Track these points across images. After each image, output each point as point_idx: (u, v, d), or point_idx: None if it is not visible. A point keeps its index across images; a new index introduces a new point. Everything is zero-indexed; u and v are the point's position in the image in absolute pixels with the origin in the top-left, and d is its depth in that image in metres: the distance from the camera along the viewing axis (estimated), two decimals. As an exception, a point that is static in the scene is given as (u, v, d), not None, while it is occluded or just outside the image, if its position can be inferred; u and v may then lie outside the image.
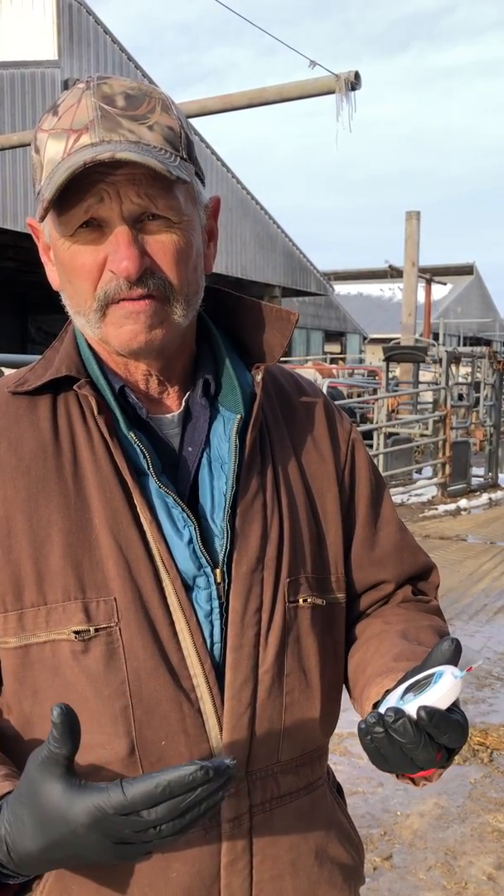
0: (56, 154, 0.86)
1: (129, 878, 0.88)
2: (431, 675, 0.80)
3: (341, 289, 38.94)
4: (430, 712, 0.77)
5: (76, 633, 0.86)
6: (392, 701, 0.82)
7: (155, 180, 0.85)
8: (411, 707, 0.79)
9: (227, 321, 1.04)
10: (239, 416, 0.96)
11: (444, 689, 0.78)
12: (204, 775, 0.72)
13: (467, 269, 45.44)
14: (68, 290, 0.92)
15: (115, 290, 0.87)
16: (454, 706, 0.80)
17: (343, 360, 30.50)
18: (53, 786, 0.74)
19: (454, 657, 0.82)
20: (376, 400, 11.74)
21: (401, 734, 0.78)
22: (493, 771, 3.55)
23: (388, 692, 0.88)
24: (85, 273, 0.88)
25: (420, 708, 0.78)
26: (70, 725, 0.74)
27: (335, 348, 33.92)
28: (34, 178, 0.91)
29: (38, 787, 0.75)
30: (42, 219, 0.89)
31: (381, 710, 0.81)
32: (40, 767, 0.75)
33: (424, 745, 0.78)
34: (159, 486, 0.91)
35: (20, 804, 0.77)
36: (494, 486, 11.36)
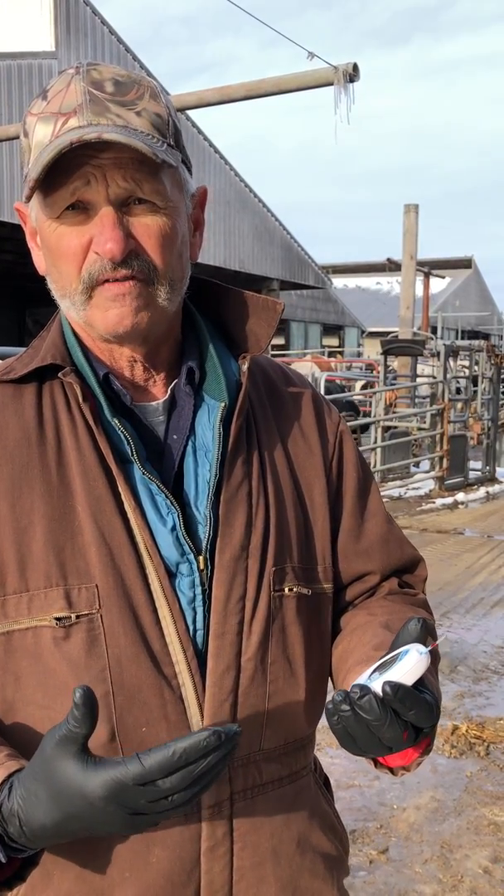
0: (44, 137, 0.87)
1: (109, 864, 0.88)
2: (397, 654, 0.81)
3: (339, 282, 38.90)
4: (395, 687, 0.77)
5: (57, 619, 0.87)
6: (360, 681, 0.82)
7: (141, 164, 0.86)
8: (377, 684, 0.79)
9: (214, 311, 1.04)
10: (223, 404, 0.96)
11: (408, 665, 0.78)
12: (217, 740, 0.75)
13: (466, 263, 45.41)
14: (53, 273, 0.92)
15: (99, 271, 0.87)
16: (424, 687, 0.81)
17: (341, 353, 30.49)
18: (70, 762, 0.76)
19: (422, 636, 0.82)
20: (373, 393, 11.74)
21: (366, 711, 0.78)
22: (490, 764, 3.56)
23: None
24: (70, 255, 0.88)
25: (385, 683, 0.78)
26: (91, 707, 0.75)
27: (333, 342, 33.90)
28: (22, 161, 0.91)
29: (54, 763, 0.77)
30: (28, 199, 0.91)
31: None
32: (58, 745, 0.77)
33: (391, 722, 0.78)
34: (143, 474, 0.91)
35: (34, 780, 0.78)
36: (492, 479, 11.36)
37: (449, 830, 3.07)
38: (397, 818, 3.14)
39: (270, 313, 1.01)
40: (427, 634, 0.83)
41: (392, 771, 0.91)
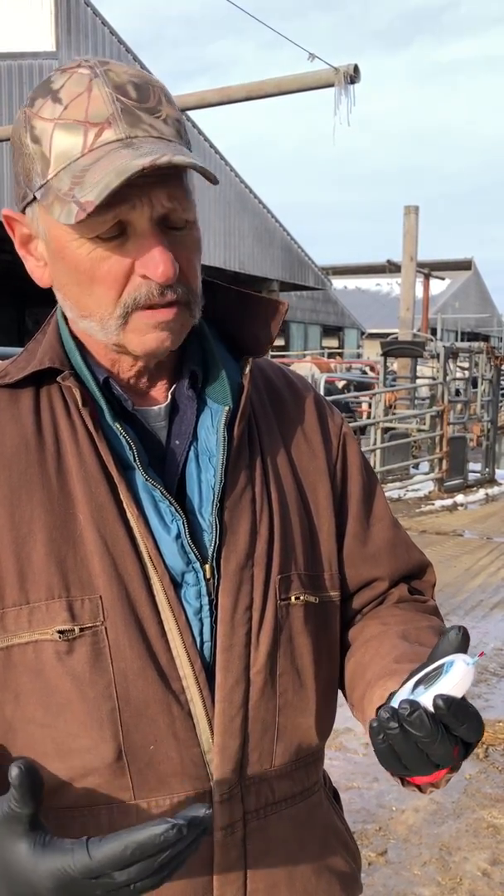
0: (72, 148, 0.81)
1: None
2: (441, 666, 0.76)
3: (339, 283, 38.91)
4: (448, 700, 0.73)
5: (60, 632, 0.83)
6: (403, 696, 0.77)
7: (178, 180, 0.83)
8: (426, 698, 0.74)
9: (215, 312, 1.01)
10: (227, 408, 0.93)
11: (457, 676, 0.74)
12: (177, 834, 0.68)
13: (465, 265, 45.42)
14: (75, 293, 0.86)
15: (146, 296, 0.84)
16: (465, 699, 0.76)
17: (341, 354, 30.48)
18: (16, 845, 0.70)
19: (463, 645, 0.78)
20: (373, 395, 11.73)
21: (417, 727, 0.73)
22: (489, 766, 3.56)
23: (392, 694, 0.84)
24: (111, 280, 0.83)
25: (436, 696, 0.73)
26: (31, 785, 0.69)
27: (333, 343, 33.89)
28: (28, 168, 0.85)
29: (1, 842, 0.71)
30: (77, 221, 0.80)
31: (393, 704, 0.77)
32: (2, 823, 0.71)
33: (442, 738, 0.74)
34: (146, 480, 0.87)
35: None
36: (491, 481, 11.36)
37: (448, 833, 3.07)
38: (396, 820, 3.14)
39: (273, 314, 0.98)
40: (468, 644, 0.79)
41: (420, 788, 0.85)
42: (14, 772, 0.69)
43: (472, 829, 3.10)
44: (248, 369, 0.95)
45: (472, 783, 3.40)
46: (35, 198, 0.85)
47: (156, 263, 0.82)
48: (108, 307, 0.85)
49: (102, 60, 0.85)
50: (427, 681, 0.76)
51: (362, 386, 15.26)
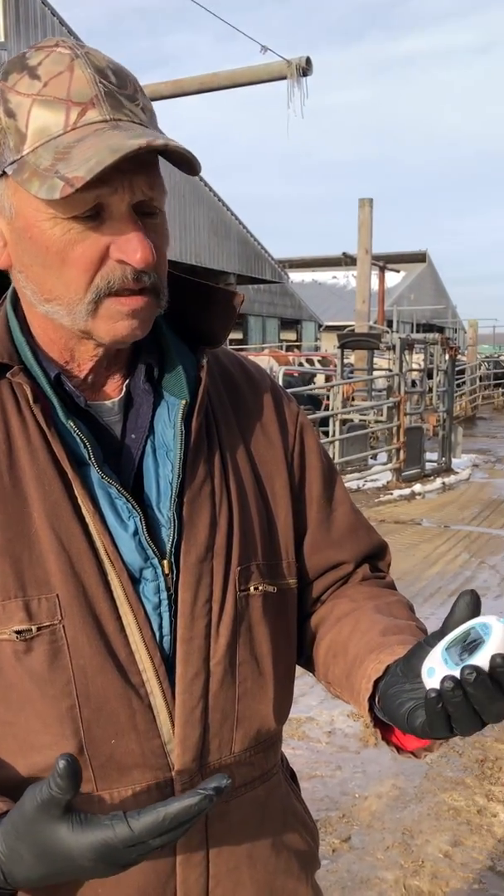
0: (52, 125, 0.80)
1: (81, 882, 0.86)
2: (471, 629, 0.79)
3: (296, 276, 38.99)
4: None
5: (17, 632, 0.82)
6: (439, 665, 0.79)
7: (157, 168, 0.83)
8: (481, 661, 0.76)
9: (170, 303, 0.99)
10: (184, 402, 0.92)
11: (500, 635, 0.77)
12: (208, 803, 0.76)
13: (420, 257, 45.88)
14: (41, 275, 0.84)
15: (120, 280, 0.83)
16: None
17: (299, 347, 30.59)
18: (55, 825, 0.75)
19: (478, 609, 0.80)
20: (331, 387, 11.80)
21: (482, 691, 0.75)
22: (449, 751, 3.62)
23: (389, 667, 0.86)
24: (85, 262, 0.82)
25: (495, 655, 0.75)
26: (75, 776, 0.75)
27: (291, 336, 33.98)
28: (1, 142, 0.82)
29: (38, 825, 0.76)
30: (62, 196, 0.79)
31: (433, 677, 0.78)
32: (41, 808, 0.75)
33: (498, 697, 0.76)
34: (101, 477, 0.87)
35: (17, 840, 0.77)
36: (448, 470, 11.52)
37: (410, 817, 3.12)
38: (359, 807, 3.18)
39: (229, 304, 0.97)
40: (480, 605, 0.81)
41: (415, 754, 0.89)
42: (61, 763, 0.74)
43: (433, 812, 3.15)
44: (204, 361, 0.95)
45: (433, 768, 3.46)
46: (4, 173, 0.83)
47: (134, 248, 0.82)
48: (79, 291, 0.83)
49: (80, 44, 0.84)
50: (467, 648, 0.78)
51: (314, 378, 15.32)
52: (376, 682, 0.88)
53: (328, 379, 14.06)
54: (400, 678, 0.84)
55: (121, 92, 0.82)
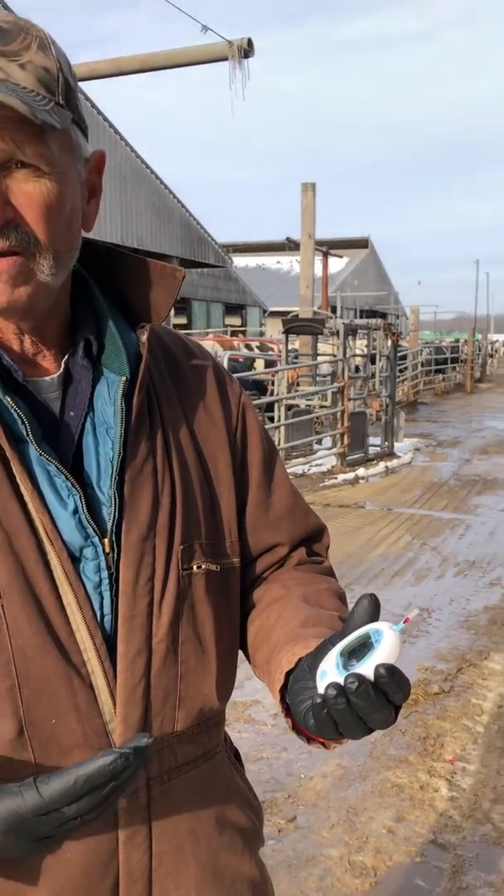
0: None
1: (20, 864, 0.85)
2: (366, 635, 0.79)
3: (240, 261, 38.88)
4: (390, 669, 0.76)
5: None
6: (332, 670, 0.80)
7: (24, 125, 0.78)
8: (366, 669, 0.77)
9: (109, 279, 0.98)
10: (124, 379, 0.91)
11: (390, 645, 0.77)
12: (124, 762, 0.72)
13: (362, 243, 46.24)
14: None
15: None
16: None
17: (244, 332, 30.55)
18: None
19: (376, 613, 0.81)
20: (276, 372, 11.83)
21: (364, 699, 0.76)
22: (393, 730, 3.69)
23: (301, 660, 0.88)
24: None
25: (379, 666, 0.76)
26: None
27: (235, 321, 33.92)
28: None
29: None
30: None
31: (325, 680, 0.79)
32: None
33: (382, 706, 0.77)
34: (40, 454, 0.85)
35: None
36: (390, 454, 11.68)
37: (354, 795, 3.17)
38: (304, 787, 3.22)
39: (170, 281, 0.96)
40: (379, 611, 0.82)
41: (324, 745, 0.90)
42: None
43: (377, 790, 3.21)
44: (145, 337, 0.94)
45: (376, 747, 3.53)
46: None
47: None
48: None
49: None
50: (358, 653, 0.79)
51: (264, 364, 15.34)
52: (288, 674, 0.89)
53: (270, 364, 14.08)
54: (306, 673, 0.85)
55: None
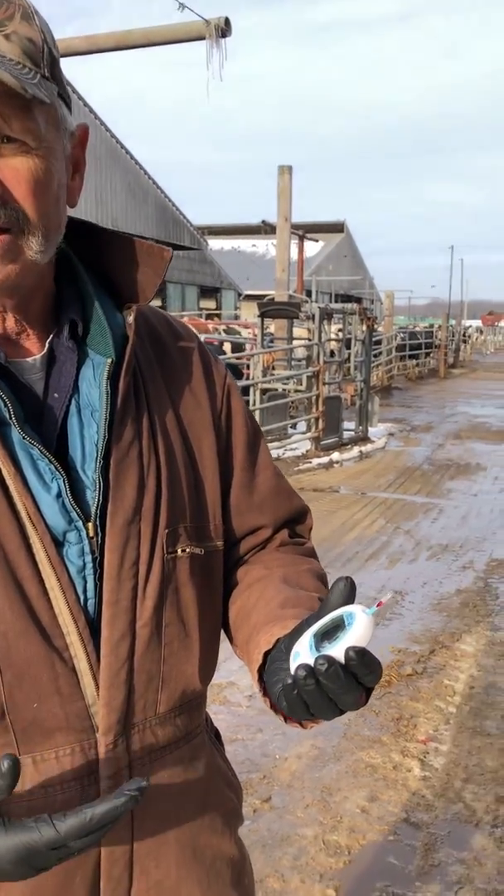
0: None
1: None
2: (339, 618, 0.79)
3: (216, 244, 38.65)
4: (360, 652, 0.76)
5: None
6: (305, 651, 0.80)
7: (9, 98, 0.76)
8: (336, 651, 0.77)
9: (95, 258, 0.97)
10: (110, 361, 0.90)
11: (361, 627, 0.78)
12: (133, 803, 0.77)
13: (338, 227, 46.15)
14: None
15: None
16: None
17: (219, 315, 30.43)
18: None
19: (351, 596, 0.81)
20: (251, 356, 11.81)
21: (333, 681, 0.77)
22: (367, 710, 3.73)
23: (279, 640, 0.88)
24: None
25: (349, 648, 0.77)
26: (14, 778, 0.75)
27: (210, 304, 33.75)
28: None
29: None
30: None
31: (297, 661, 0.80)
32: None
33: (352, 688, 0.77)
34: (23, 437, 0.84)
35: None
36: (365, 439, 11.73)
37: (329, 776, 3.20)
38: (279, 768, 3.25)
39: (157, 261, 0.94)
40: (355, 593, 0.82)
41: (301, 724, 0.90)
42: (6, 763, 0.75)
43: (351, 770, 3.25)
44: (131, 318, 0.92)
45: (350, 727, 3.57)
46: None
47: None
48: None
49: None
50: (331, 635, 0.79)
51: (237, 347, 15.31)
52: (266, 654, 0.90)
53: (239, 348, 14.03)
54: (283, 654, 0.85)
55: None
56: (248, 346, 14.28)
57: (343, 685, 0.77)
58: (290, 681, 0.79)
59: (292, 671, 0.80)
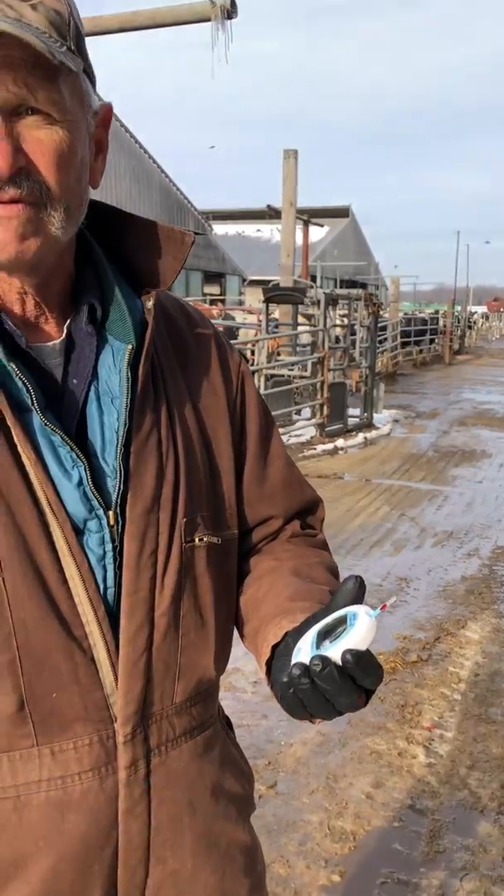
0: None
1: (21, 835, 0.85)
2: (344, 618, 0.79)
3: (220, 229, 38.46)
4: (357, 655, 0.76)
5: None
6: (306, 648, 0.80)
7: (36, 68, 0.75)
8: (334, 653, 0.77)
9: (114, 241, 0.95)
10: (130, 347, 0.88)
11: (362, 630, 0.77)
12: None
13: (343, 212, 45.87)
14: None
15: None
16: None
17: (223, 301, 30.33)
18: None
19: (360, 595, 0.81)
20: (256, 342, 11.77)
21: (328, 682, 0.76)
22: (372, 697, 3.73)
23: (288, 634, 0.87)
24: None
25: (346, 651, 0.76)
26: None
27: (215, 290, 33.63)
28: None
29: None
30: None
31: (297, 659, 0.79)
32: None
33: (348, 690, 0.77)
34: (44, 423, 0.82)
35: None
36: (369, 426, 11.71)
37: (334, 762, 3.21)
38: (285, 754, 3.25)
39: (179, 245, 0.93)
40: (364, 593, 0.81)
41: (311, 719, 0.89)
42: None
43: (356, 756, 3.26)
44: (150, 304, 0.91)
45: (355, 714, 3.56)
46: None
47: None
48: None
49: None
50: (332, 635, 0.78)
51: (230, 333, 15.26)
52: (274, 647, 0.89)
53: (232, 335, 13.96)
54: (290, 648, 0.85)
55: None
56: (252, 332, 14.21)
57: (338, 686, 0.77)
58: (285, 678, 0.79)
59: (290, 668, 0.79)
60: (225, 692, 3.66)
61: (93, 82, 0.86)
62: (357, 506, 7.27)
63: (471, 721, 3.56)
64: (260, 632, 0.95)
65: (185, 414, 0.96)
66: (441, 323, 26.43)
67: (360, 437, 10.88)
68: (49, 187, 0.79)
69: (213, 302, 27.50)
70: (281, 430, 10.50)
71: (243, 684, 3.77)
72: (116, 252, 0.95)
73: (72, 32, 0.80)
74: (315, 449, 9.95)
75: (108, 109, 0.90)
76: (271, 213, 23.14)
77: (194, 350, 1.01)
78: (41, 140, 0.78)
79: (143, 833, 0.90)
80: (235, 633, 1.06)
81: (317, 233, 37.04)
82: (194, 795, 0.96)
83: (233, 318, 17.27)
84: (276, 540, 1.09)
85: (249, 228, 44.73)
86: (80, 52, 0.82)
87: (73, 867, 0.86)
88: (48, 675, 0.83)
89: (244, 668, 3.83)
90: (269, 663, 0.91)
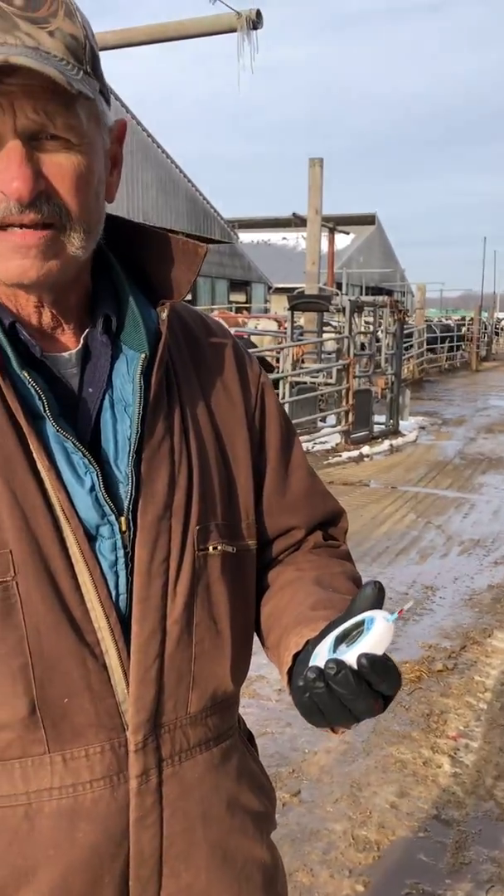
0: None
1: (32, 844, 0.85)
2: (361, 622, 0.78)
3: (246, 237, 38.56)
4: (371, 659, 0.76)
5: None
6: (323, 653, 0.79)
7: (54, 95, 0.77)
8: (350, 657, 0.77)
9: (129, 253, 0.97)
10: (143, 355, 0.90)
11: (378, 634, 0.77)
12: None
13: (369, 219, 45.79)
14: None
15: (2, 214, 0.78)
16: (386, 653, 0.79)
17: (248, 309, 30.40)
18: None
19: (379, 601, 0.81)
20: (281, 349, 11.78)
21: (343, 686, 0.76)
22: (396, 706, 3.71)
23: (309, 642, 0.87)
24: None
25: (361, 655, 0.76)
26: None
27: (240, 298, 33.70)
28: None
29: None
30: None
31: (314, 663, 0.79)
32: None
33: (364, 695, 0.77)
34: (57, 430, 0.84)
35: None
36: (395, 432, 11.65)
37: (358, 770, 3.19)
38: (309, 762, 3.24)
39: (192, 257, 0.95)
40: (383, 598, 0.81)
41: (333, 729, 0.89)
42: None
43: (380, 765, 3.23)
44: (165, 315, 0.92)
45: (380, 722, 3.55)
46: None
47: (10, 178, 0.78)
48: None
49: None
50: (349, 639, 0.78)
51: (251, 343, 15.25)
52: (296, 656, 0.89)
53: (250, 344, 13.99)
54: (309, 656, 0.84)
55: (24, 14, 0.77)
56: (267, 339, 14.20)
57: (354, 691, 0.76)
58: (301, 682, 0.79)
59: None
60: (249, 700, 3.66)
61: (107, 100, 0.88)
62: (383, 513, 7.23)
63: (497, 731, 3.52)
64: (282, 641, 0.95)
65: (201, 423, 0.97)
66: (465, 329, 26.24)
67: (386, 444, 10.83)
68: (69, 209, 0.81)
69: (238, 310, 27.56)
70: (306, 438, 10.51)
71: (268, 692, 3.76)
72: (132, 264, 0.97)
73: (87, 56, 0.81)
74: (340, 456, 9.92)
75: (122, 125, 0.92)
76: (297, 222, 23.17)
77: (212, 361, 1.02)
78: (61, 164, 0.80)
79: (154, 844, 0.90)
80: (256, 642, 1.06)
81: (342, 240, 36.98)
82: (208, 808, 0.94)
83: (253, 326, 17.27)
84: (298, 551, 1.09)
85: (275, 237, 44.81)
86: (96, 73, 0.84)
87: (83, 877, 0.86)
88: (60, 681, 0.83)
89: (269, 675, 3.83)
90: (290, 672, 0.90)
